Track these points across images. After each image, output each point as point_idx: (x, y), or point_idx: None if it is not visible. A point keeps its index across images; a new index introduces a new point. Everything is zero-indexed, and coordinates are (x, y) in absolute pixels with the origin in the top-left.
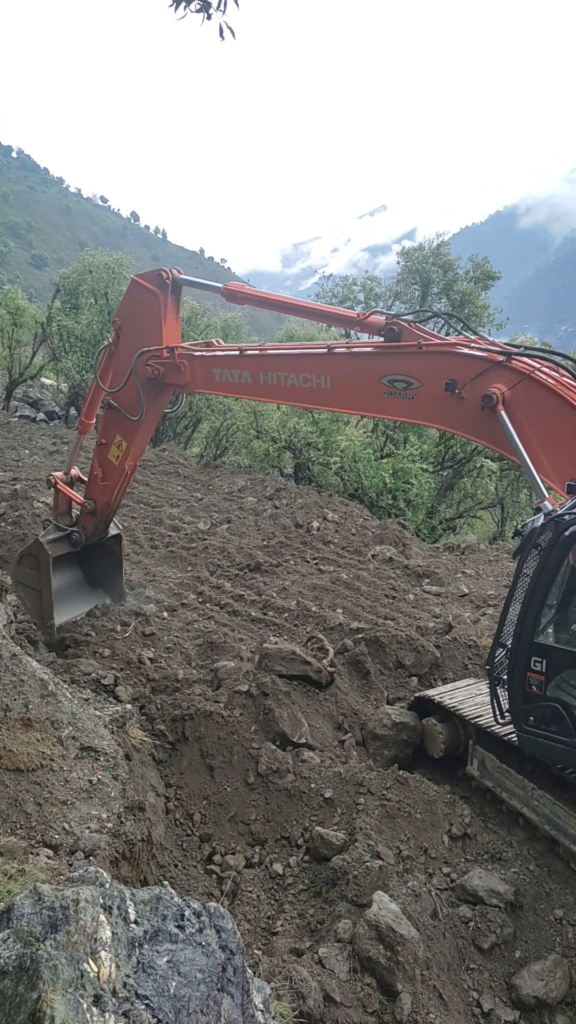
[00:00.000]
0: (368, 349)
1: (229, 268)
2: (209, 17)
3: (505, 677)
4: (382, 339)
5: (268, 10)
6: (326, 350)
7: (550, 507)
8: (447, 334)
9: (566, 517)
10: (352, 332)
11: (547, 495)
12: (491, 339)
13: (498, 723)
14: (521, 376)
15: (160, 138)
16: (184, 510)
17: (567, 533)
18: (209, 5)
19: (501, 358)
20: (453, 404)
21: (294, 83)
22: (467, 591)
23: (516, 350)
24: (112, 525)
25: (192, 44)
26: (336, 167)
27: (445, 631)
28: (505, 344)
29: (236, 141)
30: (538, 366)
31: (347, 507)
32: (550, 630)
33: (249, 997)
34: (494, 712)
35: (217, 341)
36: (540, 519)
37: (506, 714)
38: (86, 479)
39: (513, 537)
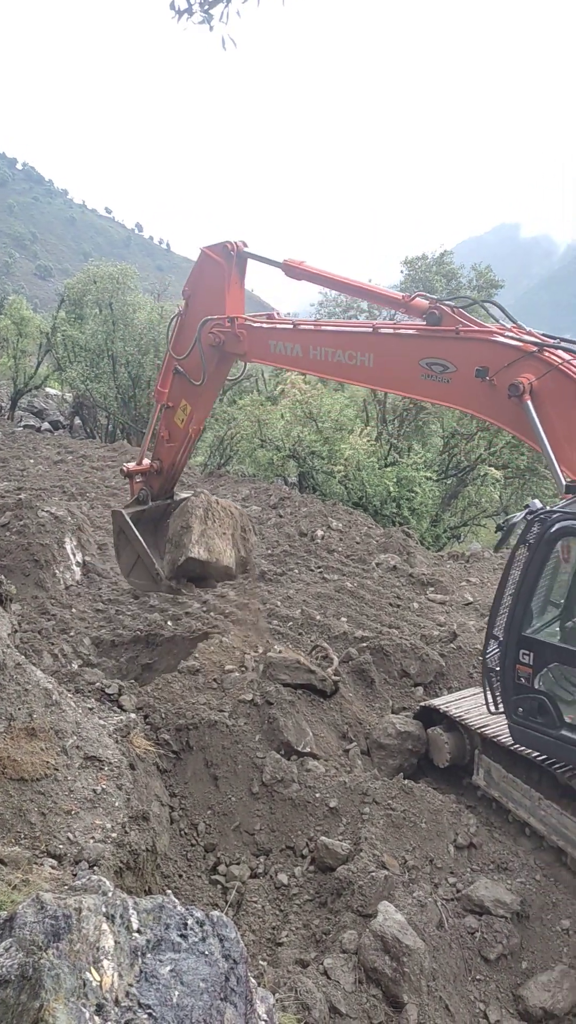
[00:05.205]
0: (410, 331)
1: None
2: (211, 29)
3: (497, 669)
4: (424, 322)
5: (271, 21)
6: (371, 330)
7: (538, 504)
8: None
9: (554, 514)
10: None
11: (564, 483)
12: (529, 329)
13: (490, 713)
14: (549, 367)
15: (164, 149)
16: None
17: (553, 530)
18: (211, 17)
19: (534, 348)
20: (484, 391)
21: (297, 94)
22: (471, 599)
23: (552, 342)
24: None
25: (196, 56)
26: (339, 177)
27: (450, 640)
28: (543, 335)
29: (240, 152)
30: (571, 358)
31: (351, 516)
32: (537, 624)
33: (252, 1007)
34: (487, 703)
35: (277, 313)
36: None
37: (499, 705)
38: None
39: (496, 532)
